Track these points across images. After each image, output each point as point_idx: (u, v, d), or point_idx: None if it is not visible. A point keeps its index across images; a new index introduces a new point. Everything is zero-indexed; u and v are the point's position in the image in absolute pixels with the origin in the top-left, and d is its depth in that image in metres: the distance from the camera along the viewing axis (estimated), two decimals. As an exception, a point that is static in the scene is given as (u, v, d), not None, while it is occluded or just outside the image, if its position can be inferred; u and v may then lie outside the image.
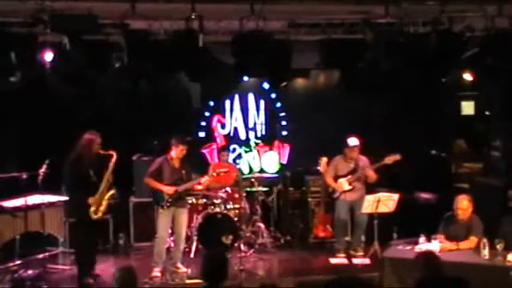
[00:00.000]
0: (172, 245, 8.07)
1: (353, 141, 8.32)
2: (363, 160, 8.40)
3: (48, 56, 7.73)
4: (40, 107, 9.01)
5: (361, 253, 8.30)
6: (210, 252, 6.50)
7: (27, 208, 7.43)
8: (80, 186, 7.10)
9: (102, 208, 7.13)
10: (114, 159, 7.18)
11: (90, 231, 7.25)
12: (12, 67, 7.48)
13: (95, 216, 7.11)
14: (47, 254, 7.79)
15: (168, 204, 7.54)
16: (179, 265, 7.72)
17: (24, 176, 7.67)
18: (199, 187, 8.03)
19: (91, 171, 7.10)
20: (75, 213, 7.26)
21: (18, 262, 7.45)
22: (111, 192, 7.19)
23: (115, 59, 7.90)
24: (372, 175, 8.30)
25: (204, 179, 7.86)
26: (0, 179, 7.72)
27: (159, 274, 7.57)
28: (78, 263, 7.29)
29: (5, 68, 7.48)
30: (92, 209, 7.07)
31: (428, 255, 5.09)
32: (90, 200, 7.07)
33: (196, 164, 8.38)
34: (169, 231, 8.03)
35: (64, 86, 8.41)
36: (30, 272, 7.33)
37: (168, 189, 7.53)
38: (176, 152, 7.62)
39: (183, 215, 7.72)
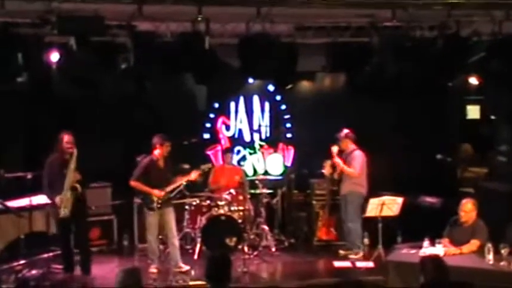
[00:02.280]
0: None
1: (340, 132, 8.52)
2: (354, 155, 8.42)
3: (55, 57, 7.76)
4: (46, 107, 9.03)
5: (356, 256, 8.26)
6: (213, 254, 6.50)
7: (31, 208, 7.46)
8: (51, 186, 7.18)
9: (64, 206, 7.09)
10: (74, 158, 7.13)
11: (60, 230, 7.33)
12: (18, 68, 7.51)
13: (60, 215, 7.12)
14: (51, 254, 7.79)
15: (159, 206, 7.58)
16: (181, 264, 7.75)
17: (29, 176, 7.70)
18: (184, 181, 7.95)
19: (65, 171, 7.12)
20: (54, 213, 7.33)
21: (22, 262, 7.46)
22: (72, 190, 7.11)
23: (121, 61, 7.92)
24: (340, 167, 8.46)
25: (193, 175, 7.84)
26: (6, 179, 7.75)
27: (155, 270, 7.65)
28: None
29: (12, 69, 7.51)
30: (60, 208, 7.09)
31: (435, 258, 5.07)
32: (56, 199, 7.11)
33: (200, 165, 8.37)
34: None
35: (70, 87, 8.43)
36: (34, 272, 7.34)
37: (158, 193, 7.56)
38: (162, 150, 7.64)
39: (170, 214, 7.76)
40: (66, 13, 7.23)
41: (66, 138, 7.23)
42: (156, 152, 7.68)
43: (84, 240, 7.56)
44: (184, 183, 7.94)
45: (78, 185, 7.15)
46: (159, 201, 7.58)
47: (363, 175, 8.46)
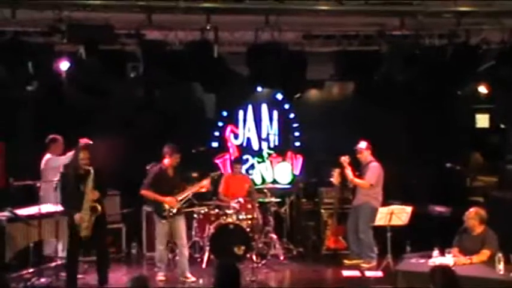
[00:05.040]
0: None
1: (359, 144, 8.48)
2: (369, 167, 8.38)
3: (64, 65, 7.81)
4: (56, 116, 9.07)
5: (368, 265, 8.22)
6: (222, 263, 6.49)
7: (41, 216, 7.46)
8: (68, 199, 7.12)
9: (84, 227, 7.01)
10: (91, 176, 7.02)
11: (73, 245, 7.19)
12: (29, 76, 7.56)
13: (81, 234, 7.05)
14: (60, 262, 7.79)
15: (171, 214, 7.57)
16: (188, 274, 7.72)
17: (38, 184, 7.72)
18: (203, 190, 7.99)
19: (82, 186, 7.04)
20: (67, 226, 7.24)
21: (31, 270, 7.47)
22: (92, 211, 7.02)
23: (130, 69, 7.97)
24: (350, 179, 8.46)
25: (204, 183, 7.85)
26: (15, 187, 7.77)
27: (163, 278, 7.64)
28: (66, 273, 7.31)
29: (22, 77, 7.56)
30: (81, 226, 7.01)
31: (445, 269, 5.04)
32: (76, 217, 7.02)
33: (210, 173, 8.37)
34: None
35: (80, 95, 8.48)
36: (43, 280, 7.34)
37: (170, 201, 7.56)
38: (170, 160, 7.64)
39: (181, 222, 7.75)
40: (76, 22, 7.28)
41: (82, 154, 7.15)
42: (166, 161, 7.69)
43: (104, 250, 7.47)
44: (195, 191, 7.90)
45: (97, 205, 7.07)
46: (171, 210, 7.57)
47: (377, 187, 8.41)
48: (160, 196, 7.60)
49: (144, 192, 7.72)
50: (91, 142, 8.00)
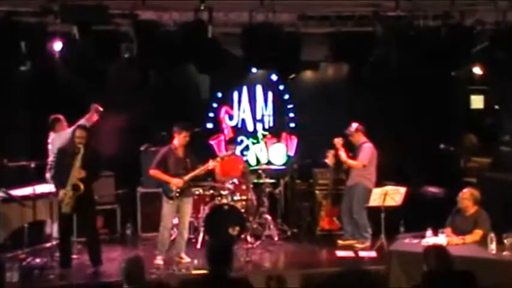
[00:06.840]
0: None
1: (350, 126, 8.47)
2: (362, 148, 8.41)
3: (58, 46, 7.76)
4: (50, 97, 9.03)
5: (362, 246, 8.28)
6: (213, 241, 6.52)
7: (35, 197, 7.46)
8: (59, 175, 7.18)
9: (65, 203, 7.07)
10: (80, 155, 7.06)
11: (59, 223, 7.28)
12: (22, 56, 7.51)
13: (62, 210, 7.11)
14: (54, 242, 7.81)
15: (178, 195, 7.56)
16: (183, 255, 7.73)
17: (33, 165, 7.72)
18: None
19: (72, 163, 7.07)
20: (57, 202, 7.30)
21: (26, 250, 7.48)
22: (74, 189, 7.04)
23: (124, 50, 7.92)
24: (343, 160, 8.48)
25: (211, 164, 7.83)
26: (10, 168, 7.77)
27: (161, 262, 7.61)
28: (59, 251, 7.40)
29: (15, 58, 7.51)
30: (62, 203, 7.09)
31: (438, 248, 5.08)
32: (60, 193, 7.10)
33: (203, 154, 8.38)
34: (175, 221, 8.01)
35: (73, 76, 8.44)
36: (38, 260, 7.37)
37: (177, 182, 7.53)
38: (179, 139, 7.59)
39: (188, 204, 7.74)
40: (69, 2, 7.23)
41: (78, 133, 7.19)
42: (175, 141, 7.64)
43: (91, 231, 7.46)
44: (203, 171, 7.84)
45: (81, 184, 7.07)
46: (178, 190, 7.56)
47: (370, 168, 8.42)
48: (168, 176, 7.57)
49: (152, 171, 7.67)
50: (101, 109, 8.06)
